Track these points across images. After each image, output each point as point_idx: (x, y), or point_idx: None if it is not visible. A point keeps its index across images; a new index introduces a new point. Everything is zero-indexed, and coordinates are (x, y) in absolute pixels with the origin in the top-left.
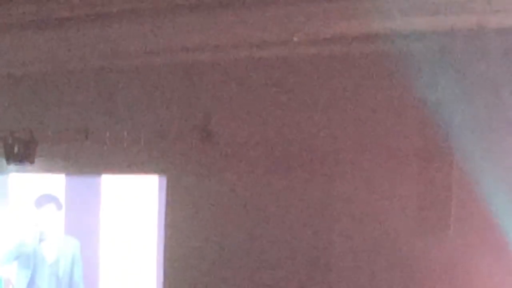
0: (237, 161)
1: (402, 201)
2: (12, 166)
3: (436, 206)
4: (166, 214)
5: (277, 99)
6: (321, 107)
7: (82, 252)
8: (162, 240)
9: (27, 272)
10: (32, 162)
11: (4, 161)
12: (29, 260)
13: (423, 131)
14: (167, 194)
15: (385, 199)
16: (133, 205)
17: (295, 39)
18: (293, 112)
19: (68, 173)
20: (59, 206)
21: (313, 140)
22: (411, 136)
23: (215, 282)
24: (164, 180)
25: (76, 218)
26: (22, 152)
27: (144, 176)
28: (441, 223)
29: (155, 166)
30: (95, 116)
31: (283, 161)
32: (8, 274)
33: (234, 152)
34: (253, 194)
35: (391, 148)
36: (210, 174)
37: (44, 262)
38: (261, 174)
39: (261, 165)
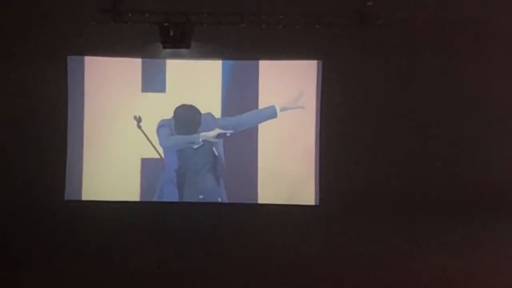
0: (393, 44)
1: None
2: (168, 51)
3: None
4: (322, 99)
5: None
6: None
7: (241, 132)
8: (319, 125)
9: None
10: (188, 46)
11: (160, 45)
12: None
13: None
14: (322, 79)
15: None
16: (290, 90)
17: None
18: None
19: (224, 58)
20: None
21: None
22: None
23: (370, 162)
24: (320, 64)
25: (233, 102)
26: (178, 36)
27: (300, 61)
28: None
29: (311, 51)
30: None
31: (442, 42)
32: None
33: (390, 35)
34: (410, 76)
35: None
36: (366, 58)
37: (216, 157)
38: (416, 57)
39: (418, 46)
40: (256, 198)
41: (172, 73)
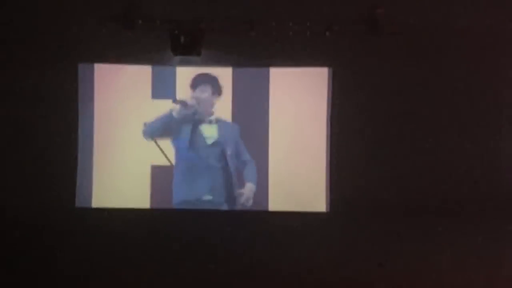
0: (405, 51)
1: None
2: (178, 59)
3: None
4: (333, 105)
5: None
6: None
7: (252, 139)
8: (329, 132)
9: (186, 152)
10: (198, 54)
11: (170, 52)
12: (185, 139)
13: None
14: (333, 86)
15: None
16: (301, 97)
17: None
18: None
19: (235, 65)
20: (215, 89)
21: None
22: None
23: (381, 170)
24: (330, 72)
25: (244, 109)
26: (188, 43)
27: (311, 68)
28: None
29: (321, 58)
30: (261, 6)
31: (454, 49)
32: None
33: (401, 42)
34: (421, 84)
35: None
36: (377, 65)
37: (204, 143)
38: (428, 64)
39: (430, 54)
40: (267, 205)
41: (182, 80)
